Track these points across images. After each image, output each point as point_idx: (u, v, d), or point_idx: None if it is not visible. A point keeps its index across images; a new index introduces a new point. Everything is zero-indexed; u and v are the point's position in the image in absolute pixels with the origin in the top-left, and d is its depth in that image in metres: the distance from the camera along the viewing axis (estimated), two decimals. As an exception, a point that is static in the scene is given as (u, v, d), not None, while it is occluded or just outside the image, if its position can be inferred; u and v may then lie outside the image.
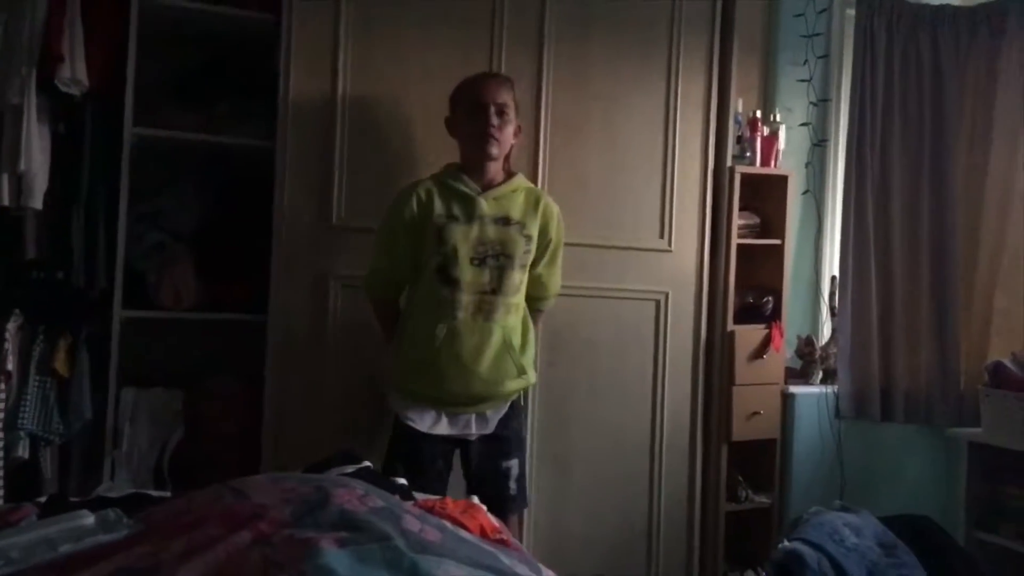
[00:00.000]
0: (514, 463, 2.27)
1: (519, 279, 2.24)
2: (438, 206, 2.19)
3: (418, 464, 2.14)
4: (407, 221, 2.19)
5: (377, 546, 1.15)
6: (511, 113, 2.24)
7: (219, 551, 1.14)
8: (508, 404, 2.29)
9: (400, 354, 2.24)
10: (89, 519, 1.28)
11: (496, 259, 2.20)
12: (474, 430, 2.24)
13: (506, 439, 2.27)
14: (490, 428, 2.25)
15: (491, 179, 2.25)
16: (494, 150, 2.21)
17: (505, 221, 2.22)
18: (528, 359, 2.29)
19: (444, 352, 2.16)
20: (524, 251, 2.24)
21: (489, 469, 2.25)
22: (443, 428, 2.21)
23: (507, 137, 2.24)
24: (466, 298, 2.17)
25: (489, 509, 1.72)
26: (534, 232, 2.26)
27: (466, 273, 2.17)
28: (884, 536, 2.12)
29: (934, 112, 3.16)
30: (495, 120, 2.19)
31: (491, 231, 2.20)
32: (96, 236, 2.37)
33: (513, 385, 2.26)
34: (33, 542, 1.21)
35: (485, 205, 2.21)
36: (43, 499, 1.57)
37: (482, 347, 2.18)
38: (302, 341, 2.39)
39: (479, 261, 2.18)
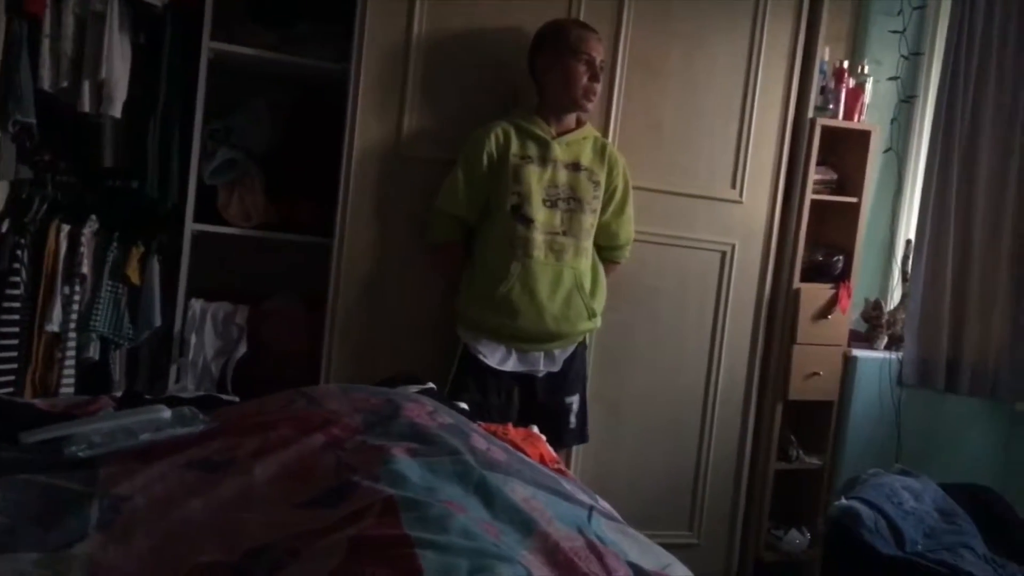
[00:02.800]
0: (575, 399, 2.37)
1: (589, 223, 2.31)
2: (515, 146, 2.25)
3: (483, 395, 2.21)
4: (487, 159, 2.24)
5: (448, 459, 1.15)
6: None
7: (292, 451, 1.16)
8: (575, 344, 2.35)
9: (472, 289, 2.29)
10: (166, 413, 1.31)
11: (567, 202, 2.27)
12: (542, 367, 2.32)
13: (570, 376, 2.36)
14: (557, 366, 2.34)
15: (566, 126, 2.33)
16: (591, 104, 2.31)
17: (575, 167, 2.29)
18: (599, 303, 2.36)
19: (517, 289, 2.21)
20: (593, 196, 2.31)
21: (551, 403, 2.33)
22: (512, 365, 2.30)
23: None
24: (540, 237, 2.22)
25: (547, 441, 1.74)
26: (602, 179, 2.33)
27: (539, 213, 2.23)
28: (944, 503, 2.08)
29: (1033, 74, 2.98)
30: (600, 77, 2.28)
31: (562, 175, 2.28)
32: (170, 149, 2.40)
33: (583, 326, 2.33)
34: (114, 429, 1.25)
35: (558, 149, 2.27)
36: (118, 394, 1.62)
37: (554, 286, 2.24)
38: (365, 265, 2.40)
39: (551, 203, 2.26)
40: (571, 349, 2.36)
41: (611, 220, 2.39)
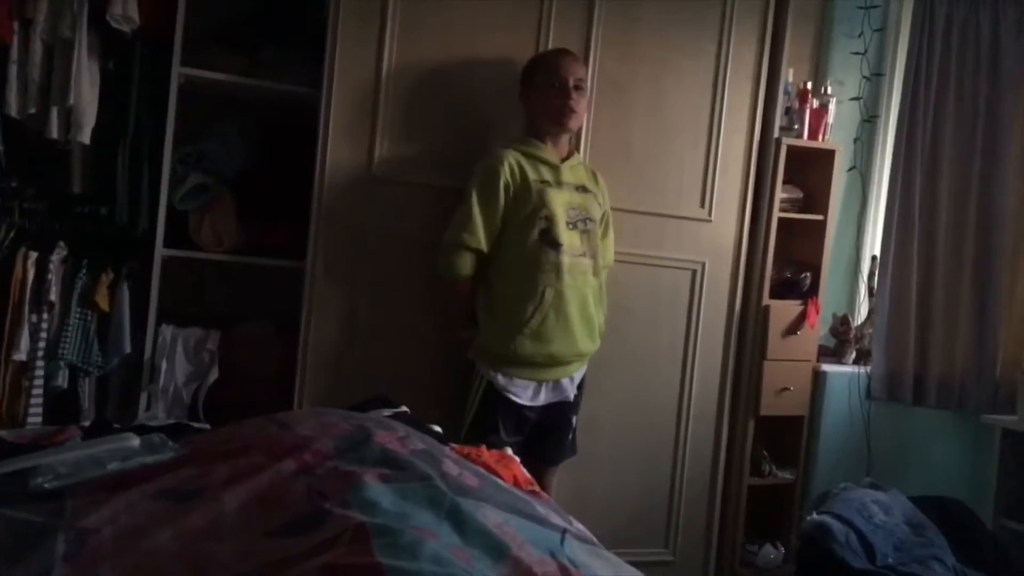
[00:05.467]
0: (575, 417, 2.42)
1: (599, 242, 2.36)
2: (530, 172, 2.25)
3: (510, 434, 2.23)
4: (503, 190, 2.22)
5: (419, 485, 1.15)
6: (585, 87, 2.35)
7: (263, 478, 1.16)
8: (586, 364, 2.40)
9: (496, 321, 2.26)
10: (135, 441, 1.30)
11: (584, 223, 2.30)
12: (570, 394, 2.35)
13: (578, 397, 2.41)
14: (575, 388, 2.38)
15: (561, 151, 2.35)
16: (573, 123, 2.32)
17: (583, 189, 2.33)
18: (604, 320, 2.41)
19: (552, 316, 2.22)
20: (599, 217, 2.36)
21: (559, 422, 2.37)
22: (544, 398, 2.31)
23: (583, 111, 2.35)
24: (567, 261, 2.24)
25: (546, 456, 1.76)
26: (602, 201, 2.38)
27: (565, 237, 2.24)
28: (913, 515, 2.11)
29: (990, 92, 3.07)
30: (574, 95, 2.28)
31: (576, 197, 2.31)
32: (140, 175, 2.39)
33: (598, 343, 2.39)
34: (81, 459, 1.24)
35: (567, 172, 2.30)
36: (86, 423, 1.60)
37: (582, 307, 2.28)
38: (338, 288, 2.40)
39: (572, 225, 2.27)
40: (584, 369, 2.40)
41: (600, 243, 2.41)
